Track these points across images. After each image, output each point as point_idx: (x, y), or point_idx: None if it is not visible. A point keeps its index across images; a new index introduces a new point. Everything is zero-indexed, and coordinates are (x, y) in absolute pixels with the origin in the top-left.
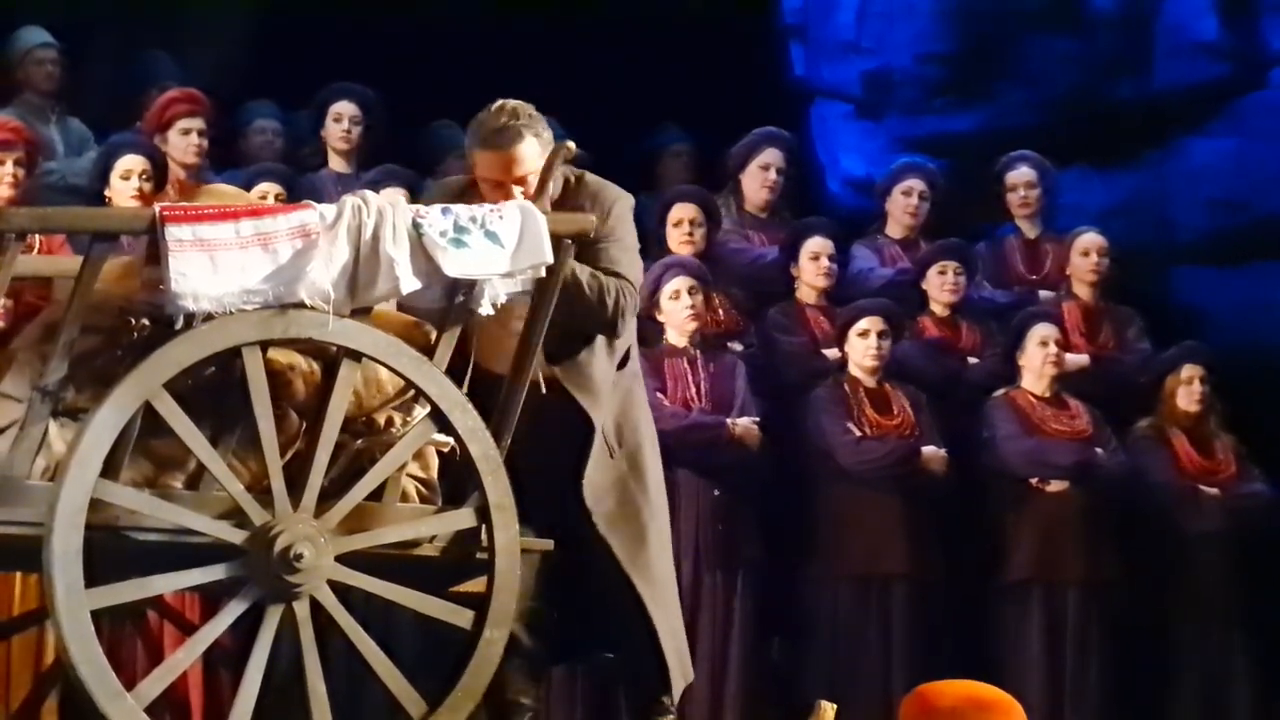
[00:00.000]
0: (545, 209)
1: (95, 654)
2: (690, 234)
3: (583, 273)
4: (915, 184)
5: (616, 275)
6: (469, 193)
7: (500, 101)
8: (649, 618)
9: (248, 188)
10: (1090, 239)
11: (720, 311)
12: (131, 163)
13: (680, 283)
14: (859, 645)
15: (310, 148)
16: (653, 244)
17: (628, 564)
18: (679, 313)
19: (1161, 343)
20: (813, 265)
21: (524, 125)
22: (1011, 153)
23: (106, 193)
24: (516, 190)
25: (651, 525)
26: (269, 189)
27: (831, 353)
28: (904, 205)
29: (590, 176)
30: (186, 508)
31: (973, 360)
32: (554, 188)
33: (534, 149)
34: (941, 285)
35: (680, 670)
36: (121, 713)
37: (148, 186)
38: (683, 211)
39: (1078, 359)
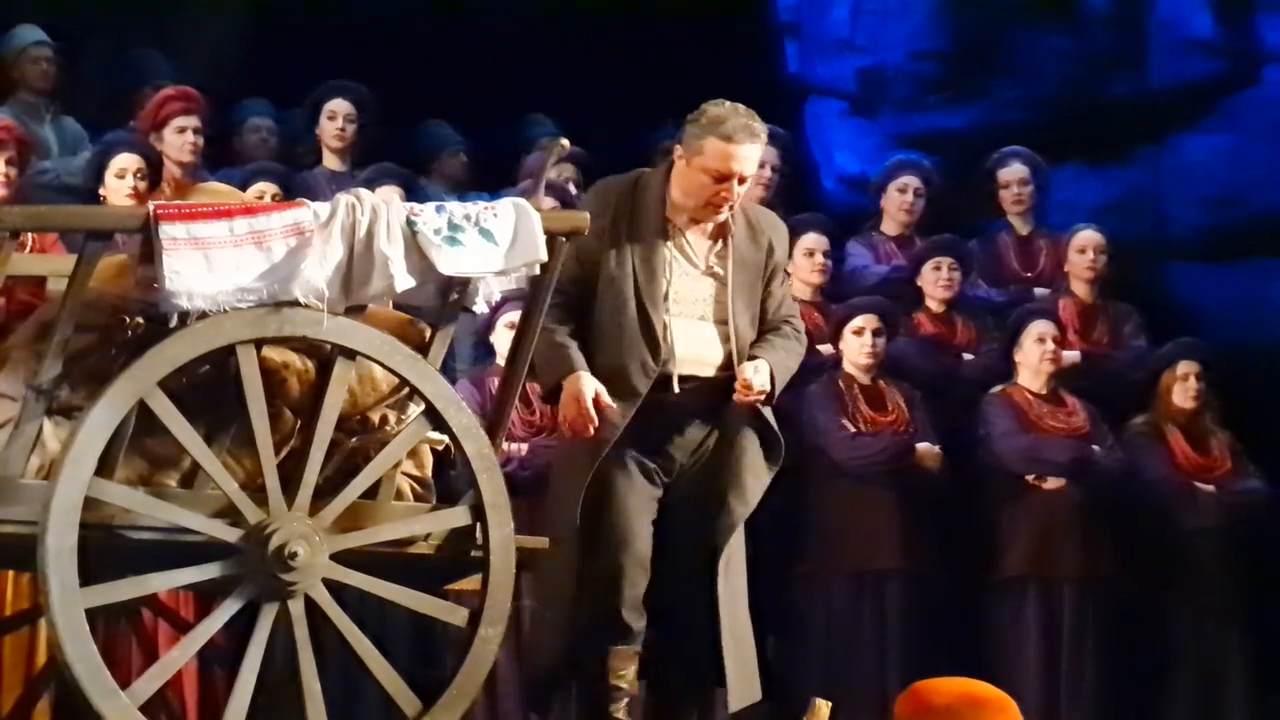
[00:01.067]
0: (540, 205)
1: (90, 652)
2: None
3: (788, 349)
4: (910, 181)
5: (794, 315)
6: (641, 190)
7: (725, 101)
8: (717, 622)
9: (244, 187)
10: (1088, 236)
11: None
12: (126, 161)
13: None
14: (854, 643)
15: (304, 146)
16: None
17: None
18: None
19: (1156, 339)
20: (807, 262)
21: (760, 127)
22: (1003, 149)
23: (101, 191)
24: (737, 188)
25: (737, 536)
26: (265, 189)
27: (825, 349)
28: (899, 202)
29: (756, 206)
30: (181, 506)
31: (967, 356)
32: (736, 220)
33: (760, 152)
34: (936, 281)
35: (742, 685)
36: (116, 711)
37: (143, 185)
38: None
39: (1070, 355)
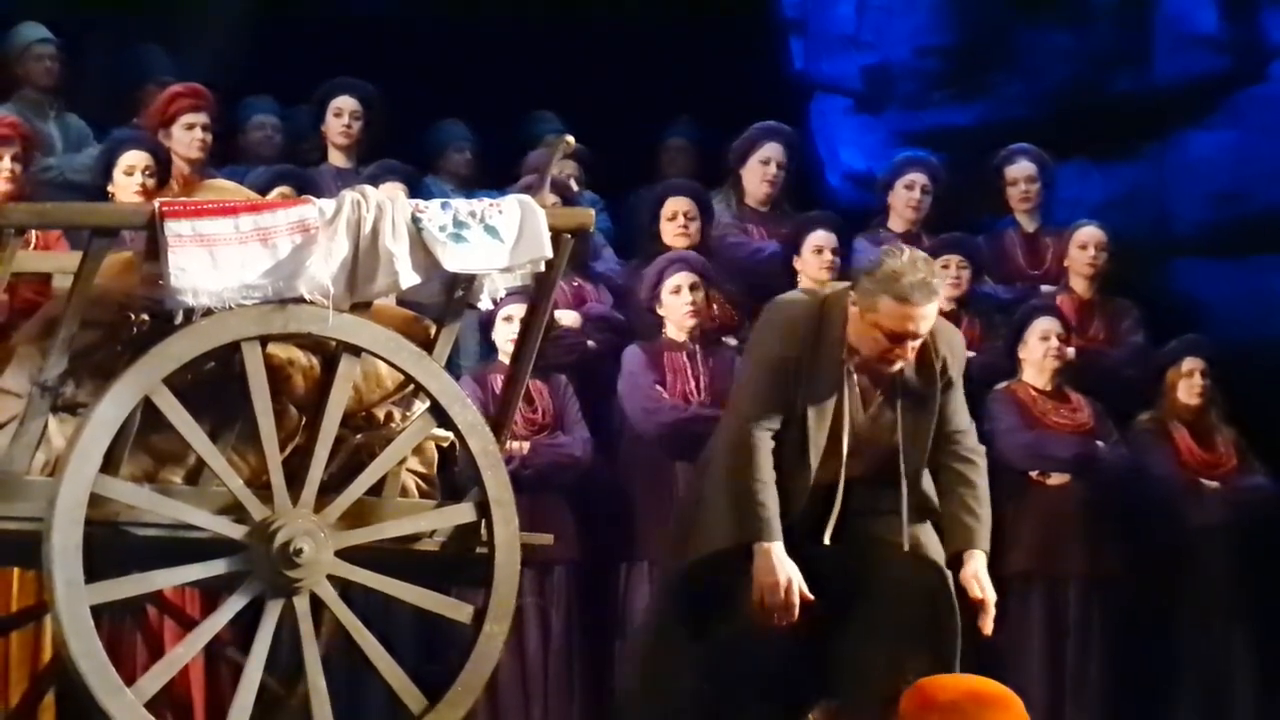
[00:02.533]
0: (545, 203)
1: (95, 649)
2: (685, 227)
3: (978, 497)
4: (917, 177)
5: (965, 431)
6: (825, 325)
7: (905, 251)
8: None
9: (265, 191)
10: (1089, 232)
11: (715, 307)
12: (134, 158)
13: (682, 278)
14: None
15: (309, 142)
16: (647, 238)
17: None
18: (679, 308)
19: (1161, 336)
20: (816, 259)
21: (938, 282)
22: (1011, 146)
23: (110, 188)
24: (912, 344)
25: None
26: (288, 193)
27: None
28: (906, 199)
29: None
30: (186, 503)
31: (970, 354)
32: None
33: (937, 308)
34: (945, 280)
35: None
36: (122, 708)
37: (151, 182)
38: (676, 205)
39: (1066, 351)
